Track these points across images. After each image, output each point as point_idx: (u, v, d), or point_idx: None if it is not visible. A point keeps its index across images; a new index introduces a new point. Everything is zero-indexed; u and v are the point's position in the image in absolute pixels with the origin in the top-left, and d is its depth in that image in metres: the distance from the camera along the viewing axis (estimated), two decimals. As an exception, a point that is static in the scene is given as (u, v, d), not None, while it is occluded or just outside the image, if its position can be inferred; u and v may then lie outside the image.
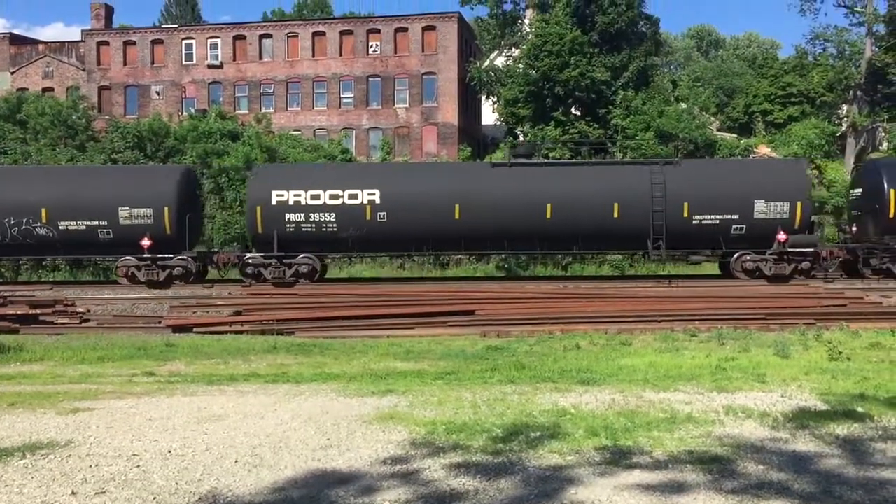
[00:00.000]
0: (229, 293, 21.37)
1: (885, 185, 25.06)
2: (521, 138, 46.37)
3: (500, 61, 54.35)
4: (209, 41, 56.77)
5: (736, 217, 24.26)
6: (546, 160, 26.25)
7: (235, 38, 56.53)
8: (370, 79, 54.73)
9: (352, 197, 24.22)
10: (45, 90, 55.01)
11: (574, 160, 27.37)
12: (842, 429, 7.25)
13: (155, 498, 5.51)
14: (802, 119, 45.90)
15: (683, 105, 44.88)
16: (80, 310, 17.78)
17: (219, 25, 59.33)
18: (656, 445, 6.68)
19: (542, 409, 8.07)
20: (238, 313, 17.49)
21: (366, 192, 24.22)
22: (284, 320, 16.55)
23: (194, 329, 16.21)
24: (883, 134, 49.12)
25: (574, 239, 24.64)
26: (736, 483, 5.71)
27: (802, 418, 7.65)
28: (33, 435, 7.27)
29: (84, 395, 9.26)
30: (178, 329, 16.20)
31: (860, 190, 27.01)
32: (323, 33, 55.66)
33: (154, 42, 57.42)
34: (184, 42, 57.07)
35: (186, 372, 11.32)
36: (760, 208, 24.28)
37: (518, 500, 5.41)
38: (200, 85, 56.40)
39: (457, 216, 24.04)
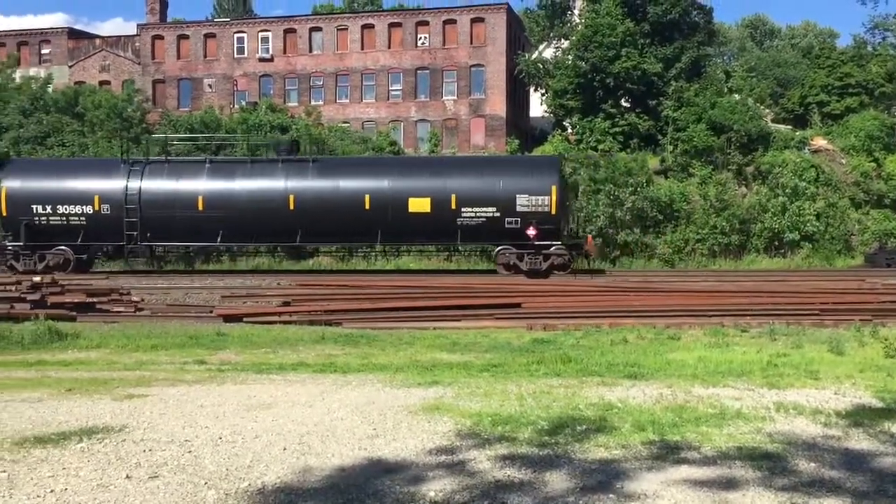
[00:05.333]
0: (278, 283, 21.53)
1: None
2: (570, 130, 45.99)
3: (548, 53, 53.94)
4: (260, 35, 57.36)
5: None
6: None
7: (286, 31, 57.01)
8: (419, 71, 54.75)
9: None
10: (101, 83, 56.01)
11: None
12: (898, 427, 7.06)
13: (206, 483, 5.60)
14: (860, 110, 44.67)
15: (737, 96, 44.02)
16: (135, 298, 18.10)
17: (270, 19, 59.91)
18: (705, 441, 6.58)
19: (589, 402, 7.98)
20: (287, 304, 17.61)
21: None
22: (332, 311, 16.64)
23: (244, 319, 16.36)
24: (944, 125, 47.58)
25: None
26: (787, 480, 5.60)
27: (857, 416, 7.48)
28: (90, 420, 7.41)
29: (138, 381, 9.39)
30: (229, 319, 16.37)
31: None
32: (372, 26, 55.84)
33: (207, 36, 58.23)
34: (235, 35, 57.75)
35: (236, 361, 11.38)
36: None
37: (565, 492, 5.38)
38: (251, 78, 56.93)
39: None
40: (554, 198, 23.87)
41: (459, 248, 28.53)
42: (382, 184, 24.42)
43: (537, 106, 55.91)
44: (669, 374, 9.70)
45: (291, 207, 24.22)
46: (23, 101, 42.78)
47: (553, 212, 23.87)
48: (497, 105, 53.15)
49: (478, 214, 24.01)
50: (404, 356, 11.78)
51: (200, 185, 24.58)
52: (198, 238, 25.31)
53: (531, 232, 23.74)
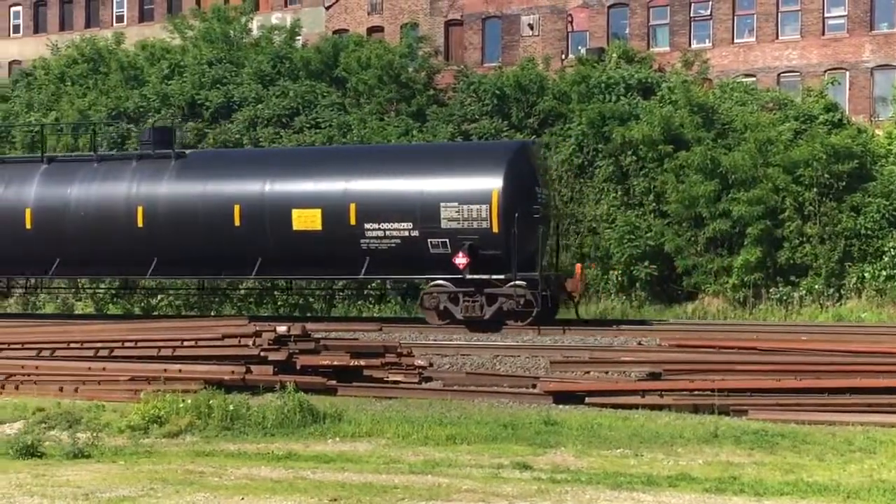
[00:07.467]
0: (640, 342, 16.56)
1: None
2: None
3: None
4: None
5: None
6: None
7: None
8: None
9: None
10: (371, 31, 39.67)
11: None
12: None
13: None
14: None
15: None
16: (420, 363, 14.49)
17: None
18: None
19: None
20: (655, 376, 13.42)
21: None
22: (730, 390, 12.40)
23: (587, 399, 12.75)
24: None
25: None
26: None
27: None
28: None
29: (431, 492, 7.73)
30: (563, 398, 12.77)
31: None
32: None
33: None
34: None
35: (577, 466, 8.96)
36: None
37: None
38: (595, 10, 37.92)
39: None
40: (495, 207, 17.38)
41: (369, 283, 21.60)
42: (258, 187, 18.63)
43: None
44: None
45: (140, 224, 19.03)
46: (262, 64, 31.60)
47: (494, 229, 17.40)
48: None
49: (388, 233, 17.88)
50: (858, 473, 8.53)
51: (29, 194, 19.74)
52: (28, 267, 20.53)
53: (460, 260, 17.45)
